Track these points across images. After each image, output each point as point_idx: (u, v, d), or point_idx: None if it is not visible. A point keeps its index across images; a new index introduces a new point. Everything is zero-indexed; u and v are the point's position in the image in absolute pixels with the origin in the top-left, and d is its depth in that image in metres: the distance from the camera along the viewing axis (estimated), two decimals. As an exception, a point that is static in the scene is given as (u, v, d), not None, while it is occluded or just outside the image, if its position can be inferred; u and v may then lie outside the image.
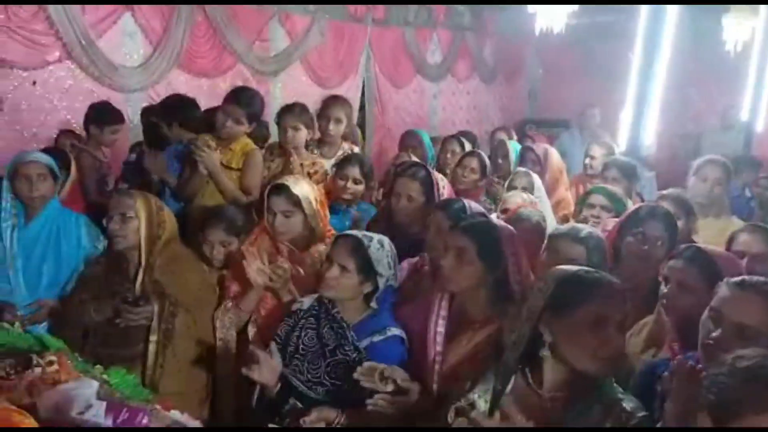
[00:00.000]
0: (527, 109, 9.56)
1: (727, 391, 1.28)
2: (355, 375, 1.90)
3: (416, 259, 2.51)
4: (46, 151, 3.44)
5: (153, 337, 2.50)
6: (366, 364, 1.93)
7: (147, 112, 4.12)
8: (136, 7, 4.76)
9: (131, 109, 4.77)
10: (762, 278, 1.75)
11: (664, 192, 3.26)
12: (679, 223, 2.85)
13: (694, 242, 2.61)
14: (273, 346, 2.21)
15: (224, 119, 3.31)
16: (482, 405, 1.69)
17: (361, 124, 6.61)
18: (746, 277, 1.77)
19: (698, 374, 1.50)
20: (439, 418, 1.77)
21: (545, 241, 2.54)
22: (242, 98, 3.36)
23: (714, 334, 1.71)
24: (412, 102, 7.62)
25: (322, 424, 2.00)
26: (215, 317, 2.59)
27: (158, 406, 1.89)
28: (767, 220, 3.65)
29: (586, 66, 8.34)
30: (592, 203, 3.23)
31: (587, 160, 4.44)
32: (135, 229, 2.52)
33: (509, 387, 1.67)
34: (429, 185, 2.85)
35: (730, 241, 2.72)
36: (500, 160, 4.34)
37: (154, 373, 2.49)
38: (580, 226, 2.54)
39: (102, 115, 4.00)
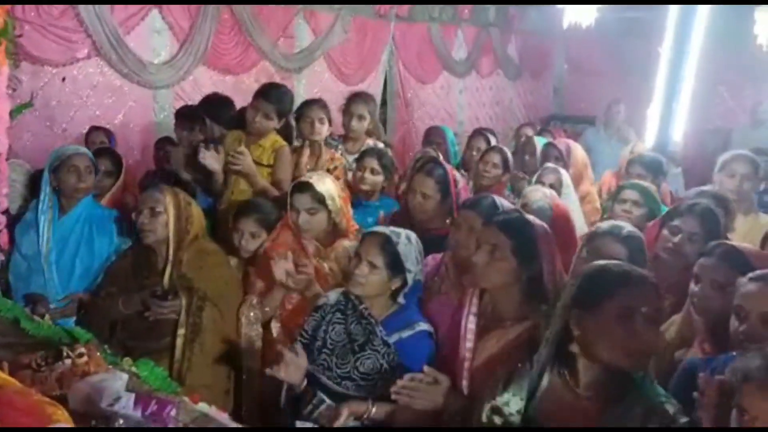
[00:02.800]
0: (552, 106, 9.48)
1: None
2: (394, 389, 1.86)
3: (440, 255, 2.50)
4: (104, 151, 3.52)
5: (181, 331, 2.53)
6: (407, 377, 1.89)
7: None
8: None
9: (158, 105, 4.82)
10: None
11: (704, 188, 3.19)
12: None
13: (729, 240, 2.57)
14: (299, 344, 2.22)
15: (254, 115, 3.33)
16: (517, 403, 1.67)
17: (383, 120, 6.60)
18: (759, 271, 1.79)
19: (725, 386, 1.49)
20: (471, 416, 1.77)
21: (584, 240, 2.52)
22: (272, 94, 3.38)
23: (741, 329, 1.73)
24: (440, 98, 7.59)
25: (352, 419, 2.01)
26: (240, 313, 2.61)
27: (186, 398, 1.92)
28: None
29: (611, 62, 8.23)
30: (624, 198, 3.20)
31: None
32: (164, 223, 2.56)
33: (545, 385, 1.66)
34: (445, 183, 2.84)
35: None
36: (527, 157, 4.30)
37: (182, 367, 2.51)
38: (621, 224, 2.50)
39: (187, 117, 3.91)
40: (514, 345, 1.95)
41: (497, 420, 1.68)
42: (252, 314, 2.61)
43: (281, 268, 2.47)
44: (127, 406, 1.77)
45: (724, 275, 1.99)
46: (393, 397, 1.87)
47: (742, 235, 3.11)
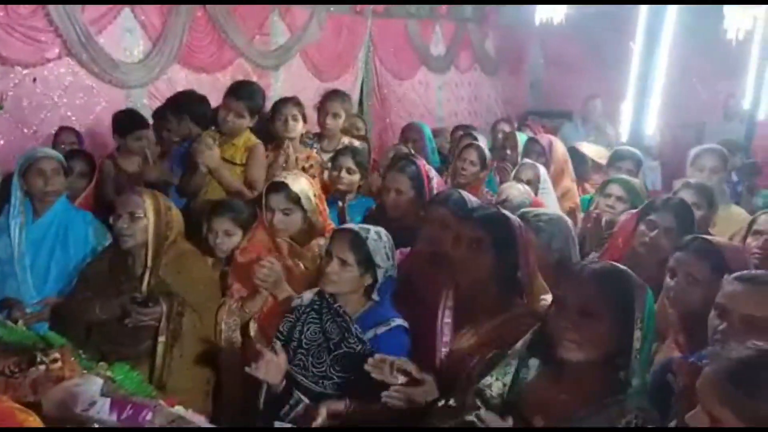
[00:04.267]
0: (530, 101, 9.53)
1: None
2: (366, 367, 1.89)
3: (407, 250, 2.50)
4: (77, 152, 3.46)
5: (161, 338, 2.50)
6: (377, 356, 1.91)
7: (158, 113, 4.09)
8: (135, 2, 4.76)
9: (132, 105, 4.76)
10: (761, 272, 1.78)
11: (689, 180, 3.24)
12: (699, 214, 2.86)
13: (711, 234, 2.61)
14: (278, 344, 2.21)
15: (225, 113, 3.30)
16: (499, 387, 1.70)
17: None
18: (746, 272, 1.79)
19: (700, 371, 1.51)
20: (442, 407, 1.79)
21: None
22: (243, 92, 3.35)
23: (721, 328, 1.73)
24: (418, 94, 7.60)
25: (328, 417, 2.01)
26: (220, 318, 2.59)
27: (162, 402, 1.90)
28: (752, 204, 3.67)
29: (588, 57, 8.29)
30: (608, 193, 3.25)
31: None
32: (143, 228, 2.52)
33: (530, 376, 1.69)
34: (418, 179, 2.86)
35: (752, 222, 2.68)
36: (509, 152, 4.34)
37: (162, 373, 2.50)
38: (540, 211, 2.58)
39: (121, 123, 3.89)
40: (491, 338, 1.96)
41: (479, 402, 1.69)
42: (232, 320, 2.59)
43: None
44: (102, 411, 1.76)
45: (699, 269, 2.01)
46: (384, 399, 1.87)
47: (716, 227, 3.17)
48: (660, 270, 2.12)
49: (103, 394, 1.82)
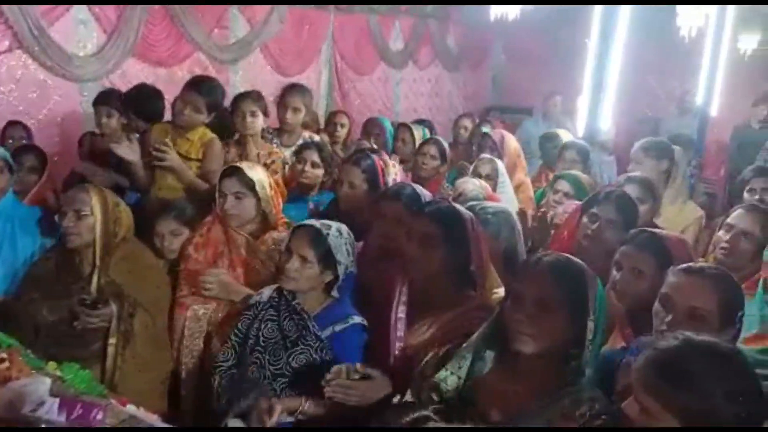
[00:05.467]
0: (491, 96, 9.61)
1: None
2: (324, 382, 1.88)
3: (360, 244, 2.51)
4: (27, 147, 3.36)
5: (112, 340, 2.43)
6: (333, 369, 1.90)
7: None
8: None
9: (85, 99, 4.65)
10: (706, 264, 1.84)
11: (632, 174, 3.30)
12: (644, 207, 2.92)
13: (657, 226, 2.66)
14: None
15: (183, 107, 3.24)
16: (454, 381, 1.71)
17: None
18: (691, 263, 1.84)
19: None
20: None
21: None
22: (202, 87, 3.27)
23: (667, 319, 1.76)
24: (378, 89, 7.59)
25: (285, 416, 2.00)
26: (181, 324, 2.55)
27: (114, 401, 1.87)
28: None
29: (549, 53, 8.39)
30: (557, 189, 3.30)
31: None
32: (90, 226, 2.44)
33: (486, 368, 1.71)
34: (373, 173, 2.85)
35: (727, 216, 2.71)
36: (475, 147, 4.39)
37: (114, 375, 2.43)
38: (486, 204, 2.62)
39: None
40: (445, 332, 1.98)
41: (434, 397, 1.71)
42: (197, 326, 2.56)
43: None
44: (50, 411, 1.72)
45: (645, 262, 2.06)
46: (327, 395, 1.87)
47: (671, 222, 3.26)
48: (604, 262, 2.15)
49: (52, 394, 1.78)
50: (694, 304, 1.73)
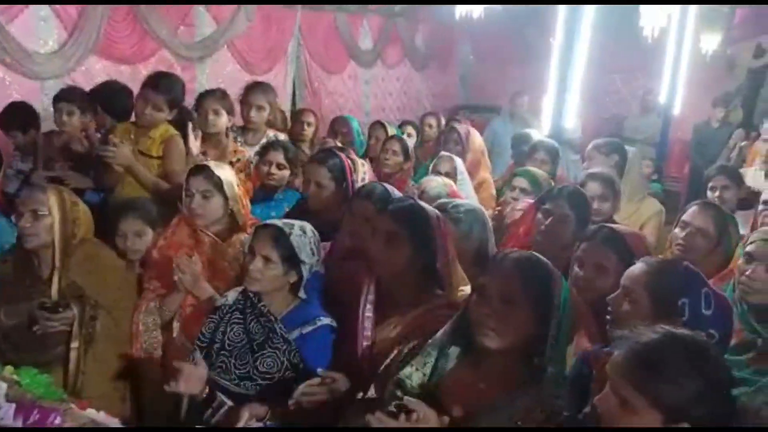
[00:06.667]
0: (459, 95, 9.66)
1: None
2: (295, 398, 1.88)
3: (329, 244, 2.49)
4: None
5: (74, 344, 2.38)
6: (301, 388, 1.90)
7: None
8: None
9: (46, 97, 4.54)
10: (667, 258, 1.86)
11: (593, 171, 3.35)
12: (607, 205, 2.99)
13: (616, 222, 2.70)
14: (197, 353, 2.14)
15: (143, 106, 3.19)
16: (419, 377, 1.71)
17: (292, 111, 6.54)
18: (652, 258, 1.88)
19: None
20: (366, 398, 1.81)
21: None
22: (161, 84, 3.23)
23: (625, 308, 1.81)
24: (347, 88, 7.58)
25: (253, 421, 1.98)
26: (137, 319, 2.50)
27: (73, 405, 1.84)
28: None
29: (515, 52, 8.47)
30: (514, 185, 3.33)
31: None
32: (48, 227, 2.37)
33: (450, 365, 1.71)
34: (340, 171, 2.84)
35: (682, 213, 2.75)
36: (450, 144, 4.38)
37: (76, 380, 2.39)
38: (454, 201, 2.65)
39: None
40: (411, 329, 1.97)
41: (399, 393, 1.70)
42: (151, 320, 2.51)
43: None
44: (6, 416, 1.69)
45: (607, 258, 2.09)
46: (291, 405, 1.88)
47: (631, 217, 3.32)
48: (559, 257, 2.17)
49: (8, 400, 1.75)
50: (628, 286, 1.81)
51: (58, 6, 4.59)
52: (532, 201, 2.89)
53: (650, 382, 1.35)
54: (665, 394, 1.34)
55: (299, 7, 6.56)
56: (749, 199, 3.60)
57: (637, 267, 1.85)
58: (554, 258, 2.07)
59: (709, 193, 3.63)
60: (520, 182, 3.30)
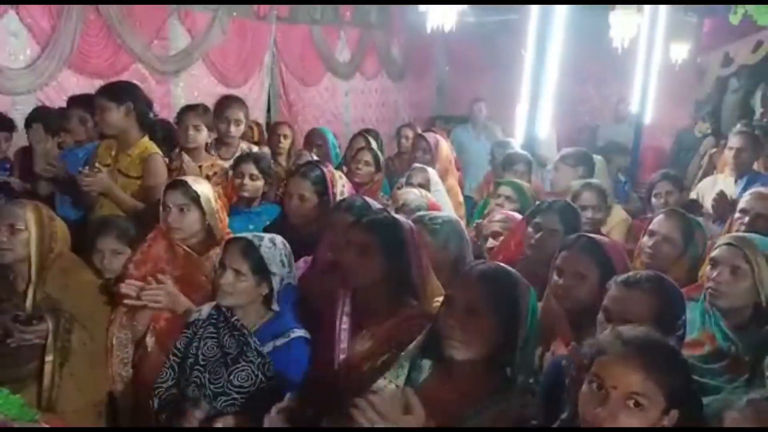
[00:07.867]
0: (436, 105, 9.71)
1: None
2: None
3: (311, 257, 2.50)
4: None
5: (48, 357, 2.37)
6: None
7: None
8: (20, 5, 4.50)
9: (19, 113, 4.49)
10: (646, 273, 1.86)
11: (590, 181, 3.39)
12: (600, 215, 3.10)
13: (602, 233, 2.74)
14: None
15: (99, 115, 3.10)
16: (392, 390, 1.70)
17: (267, 123, 6.53)
18: (630, 274, 1.87)
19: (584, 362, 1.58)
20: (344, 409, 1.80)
21: None
22: (110, 90, 3.13)
23: (607, 330, 1.80)
24: (325, 100, 7.58)
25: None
26: (111, 334, 2.49)
27: (45, 425, 1.82)
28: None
29: (489, 62, 8.54)
30: (498, 194, 3.41)
31: None
32: (25, 241, 2.38)
33: (424, 375, 1.72)
34: (322, 184, 2.85)
35: (650, 222, 2.77)
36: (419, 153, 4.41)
37: (51, 394, 2.36)
38: (431, 213, 2.68)
39: None
40: (385, 340, 1.99)
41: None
42: (123, 335, 2.50)
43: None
44: (-24, 438, 1.66)
45: (586, 267, 2.09)
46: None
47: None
48: (548, 271, 2.19)
49: (-21, 420, 1.72)
50: (628, 318, 1.73)
51: (30, 20, 4.55)
52: (511, 212, 2.94)
53: (660, 367, 1.37)
54: (670, 380, 1.37)
55: (273, 18, 6.56)
56: (691, 207, 3.62)
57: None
58: (543, 271, 2.09)
59: (653, 200, 3.66)
60: (505, 190, 3.39)
